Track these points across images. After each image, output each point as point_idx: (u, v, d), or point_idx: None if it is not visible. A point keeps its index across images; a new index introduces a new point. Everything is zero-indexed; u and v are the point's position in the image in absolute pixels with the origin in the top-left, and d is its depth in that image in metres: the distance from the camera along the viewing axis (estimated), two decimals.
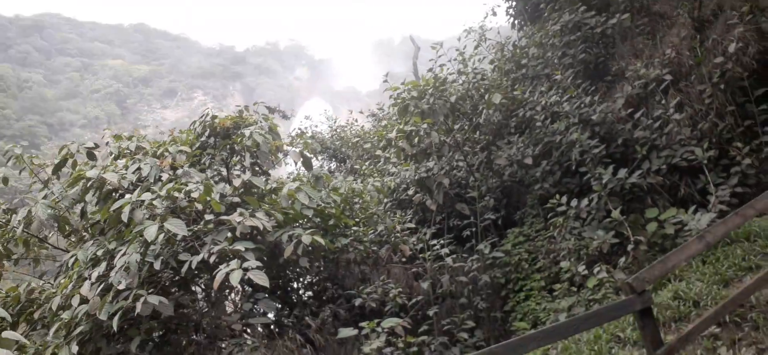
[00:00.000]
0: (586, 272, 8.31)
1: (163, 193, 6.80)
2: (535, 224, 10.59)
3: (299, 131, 16.95)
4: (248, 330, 8.14)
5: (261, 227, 6.71)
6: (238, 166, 9.83)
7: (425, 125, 9.42)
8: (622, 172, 9.01)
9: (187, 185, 7.15)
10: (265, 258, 9.48)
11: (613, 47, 11.73)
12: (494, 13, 15.90)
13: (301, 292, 10.45)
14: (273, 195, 8.36)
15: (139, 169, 7.86)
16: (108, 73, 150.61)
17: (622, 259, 8.32)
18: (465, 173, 11.12)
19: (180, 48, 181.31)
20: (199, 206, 7.30)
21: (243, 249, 6.36)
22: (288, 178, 9.95)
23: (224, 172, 9.49)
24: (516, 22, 16.19)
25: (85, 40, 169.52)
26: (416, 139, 10.01)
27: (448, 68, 11.39)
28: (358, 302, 9.36)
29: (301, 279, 10.57)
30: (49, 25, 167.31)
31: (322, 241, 7.83)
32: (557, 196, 9.35)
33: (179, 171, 8.06)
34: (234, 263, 6.06)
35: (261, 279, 5.93)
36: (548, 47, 11.52)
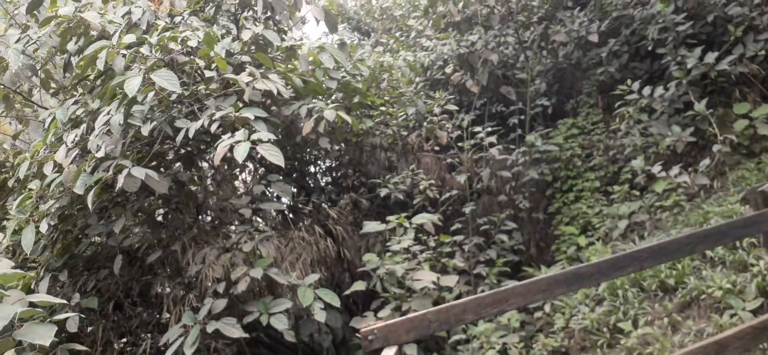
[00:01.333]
0: (662, 173, 6.96)
1: (153, 40, 5.41)
2: (591, 114, 9.15)
3: None
4: (260, 216, 7.03)
5: (275, 92, 5.35)
6: (249, 22, 8.36)
7: None
8: (711, 57, 7.43)
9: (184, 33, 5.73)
10: (280, 134, 8.23)
11: None
12: None
13: (319, 177, 9.29)
14: (292, 60, 6.93)
15: (129, 12, 6.42)
16: None
17: (706, 161, 6.94)
18: (514, 51, 9.54)
19: None
20: (201, 63, 5.93)
21: (252, 117, 5.04)
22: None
23: (233, 30, 8.04)
24: None
25: None
26: (461, 3, 8.38)
27: None
28: (383, 192, 8.17)
29: (319, 162, 9.37)
30: None
31: (348, 118, 6.51)
32: (628, 81, 7.84)
33: (177, 19, 6.63)
34: (240, 134, 4.76)
35: (274, 156, 4.66)
36: None
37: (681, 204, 6.97)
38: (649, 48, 8.27)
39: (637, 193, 7.58)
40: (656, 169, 7.00)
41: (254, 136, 4.78)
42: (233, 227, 6.40)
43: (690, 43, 7.82)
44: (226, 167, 6.96)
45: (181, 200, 6.25)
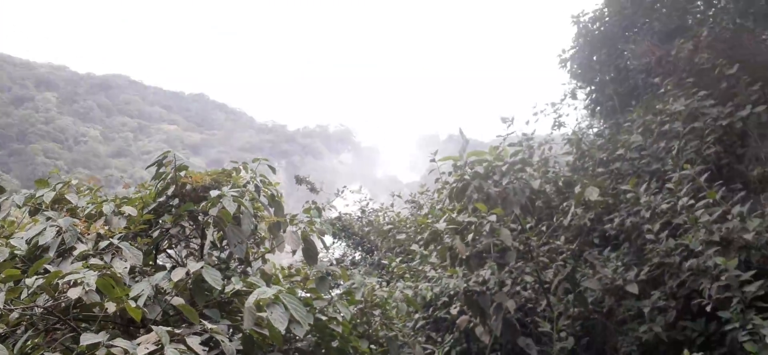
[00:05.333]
0: None
1: (30, 282, 3.93)
2: None
3: (311, 203, 13.42)
4: None
5: None
6: (216, 250, 6.97)
7: (493, 217, 6.38)
8: None
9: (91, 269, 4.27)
10: None
11: (742, 146, 8.65)
12: (574, 96, 13.15)
13: None
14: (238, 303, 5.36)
15: (41, 233, 5.07)
16: (161, 136, 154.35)
17: None
18: (533, 294, 7.91)
19: (234, 121, 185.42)
20: (111, 307, 4.40)
21: None
22: (277, 271, 6.92)
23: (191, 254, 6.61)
24: (598, 109, 13.28)
25: (146, 103, 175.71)
26: (470, 236, 6.97)
27: (519, 150, 8.35)
28: None
29: None
30: (116, 85, 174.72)
31: None
32: (685, 352, 6.04)
33: (103, 244, 5.22)
34: None
35: None
36: (658, 135, 8.45)
37: None
38: (705, 306, 6.59)
39: None
40: None
41: None
42: None
43: (761, 307, 6.13)
44: None
45: None
